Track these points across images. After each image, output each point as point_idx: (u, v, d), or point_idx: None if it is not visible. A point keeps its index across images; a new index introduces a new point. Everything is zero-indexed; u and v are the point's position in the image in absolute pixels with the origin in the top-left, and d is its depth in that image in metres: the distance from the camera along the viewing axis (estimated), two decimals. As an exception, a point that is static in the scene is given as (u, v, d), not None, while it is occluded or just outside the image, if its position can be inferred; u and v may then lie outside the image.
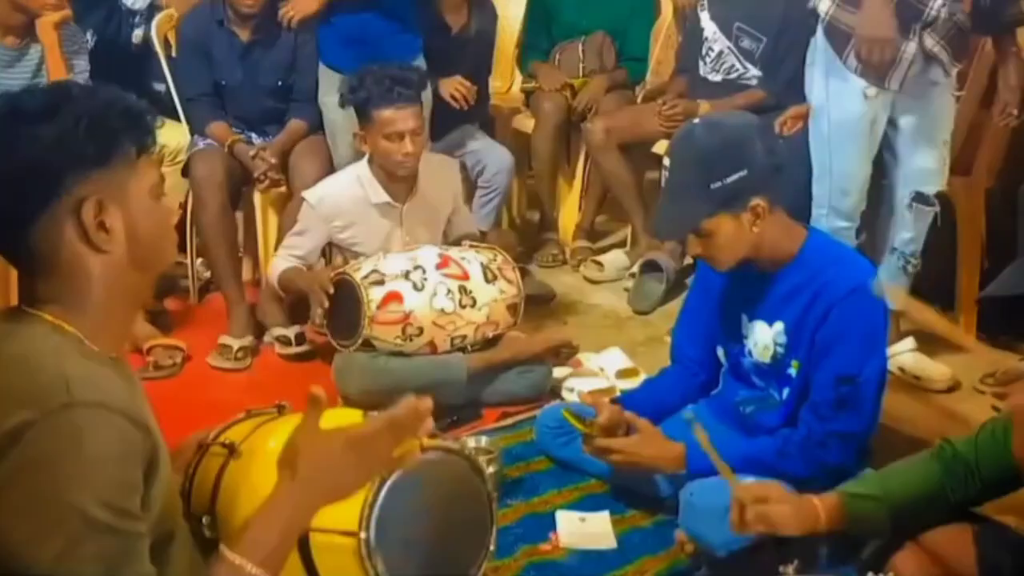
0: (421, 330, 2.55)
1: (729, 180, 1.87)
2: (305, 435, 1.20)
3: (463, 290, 2.59)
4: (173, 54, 3.41)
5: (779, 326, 2.00)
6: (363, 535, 1.41)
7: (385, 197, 2.71)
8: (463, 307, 2.58)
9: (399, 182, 2.71)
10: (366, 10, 3.21)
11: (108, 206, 1.17)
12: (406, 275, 2.54)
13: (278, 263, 2.77)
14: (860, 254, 2.06)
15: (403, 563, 1.41)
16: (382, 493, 1.41)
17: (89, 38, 3.19)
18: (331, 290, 2.53)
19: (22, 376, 1.11)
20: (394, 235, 2.76)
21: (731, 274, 2.06)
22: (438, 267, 2.60)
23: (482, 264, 2.66)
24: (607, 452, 2.09)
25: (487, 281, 2.63)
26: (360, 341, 2.52)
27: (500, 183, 3.46)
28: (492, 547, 1.49)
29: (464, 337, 2.61)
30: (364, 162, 2.75)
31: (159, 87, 3.45)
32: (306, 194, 2.78)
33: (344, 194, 2.73)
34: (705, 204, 1.88)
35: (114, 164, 1.17)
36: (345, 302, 2.53)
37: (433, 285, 2.55)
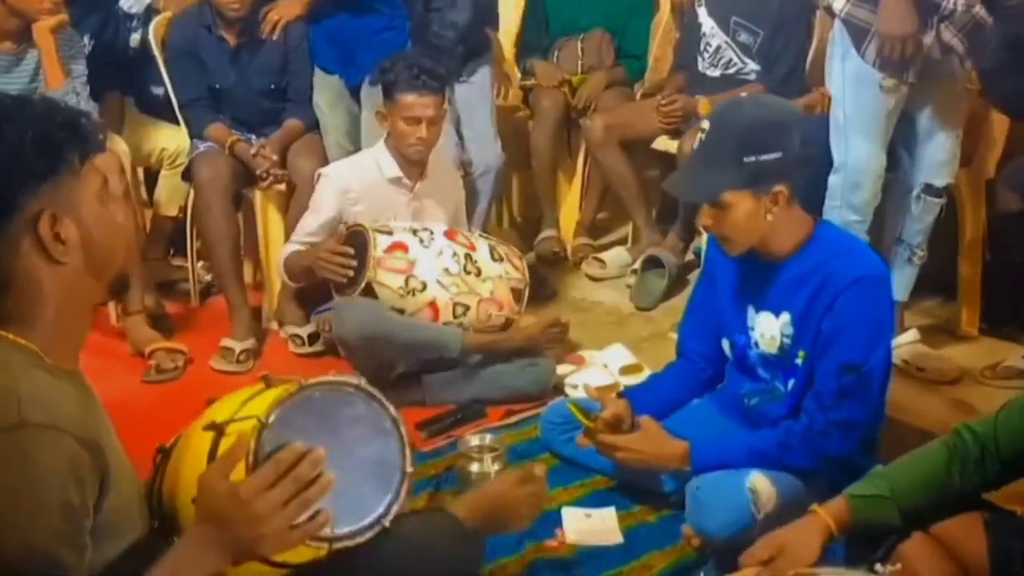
0: (424, 285, 2.60)
1: (763, 158, 1.86)
2: (209, 479, 1.15)
3: (469, 258, 2.68)
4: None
5: (786, 316, 1.99)
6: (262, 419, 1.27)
7: (398, 172, 2.81)
8: (468, 273, 2.65)
9: (411, 164, 2.82)
10: (346, 10, 3.26)
11: (61, 217, 1.17)
12: (414, 232, 2.66)
13: (286, 249, 2.83)
14: (868, 246, 2.05)
15: None
16: (260, 440, 1.25)
17: (86, 42, 3.19)
18: (337, 249, 2.61)
19: None
20: (404, 213, 2.82)
21: (737, 265, 2.05)
22: (446, 234, 2.70)
23: (489, 246, 2.75)
24: (611, 448, 2.09)
25: (494, 259, 2.72)
26: (363, 283, 2.56)
27: (486, 185, 3.38)
28: (409, 469, 1.39)
29: (467, 308, 2.63)
30: (381, 143, 2.85)
31: (157, 91, 3.45)
32: (323, 170, 2.88)
33: (360, 168, 2.84)
34: (733, 175, 1.87)
35: (61, 175, 1.18)
36: (354, 253, 2.61)
37: (440, 246, 2.65)
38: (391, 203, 2.79)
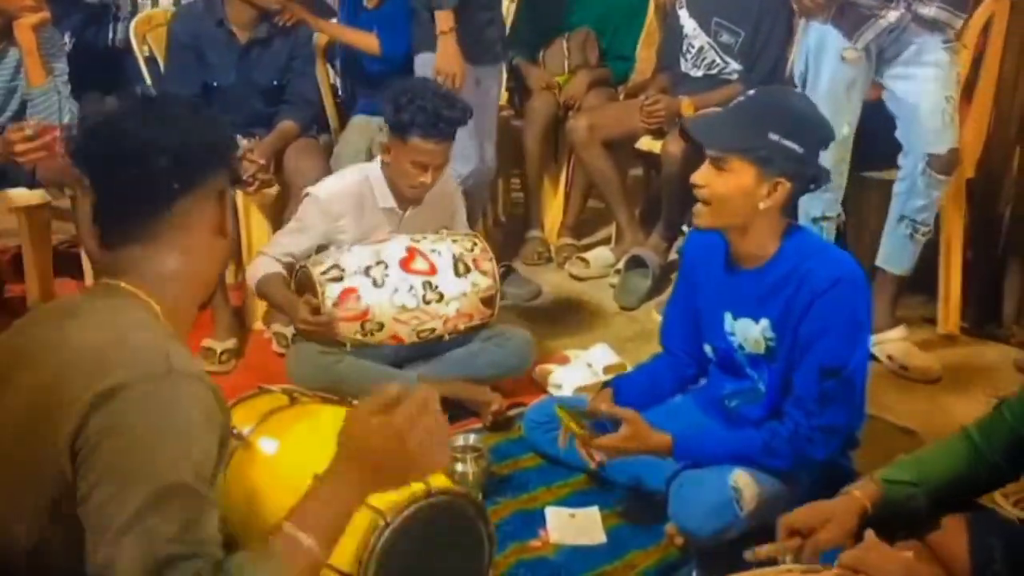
0: (381, 325, 2.53)
1: (786, 143, 1.87)
2: (359, 418, 1.21)
3: (428, 285, 2.55)
4: (150, 54, 3.39)
5: (765, 322, 1.99)
6: (389, 518, 1.44)
7: (392, 203, 2.68)
8: (427, 303, 2.55)
9: (401, 198, 2.69)
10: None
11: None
12: (366, 271, 2.52)
13: (263, 264, 2.66)
14: (841, 247, 2.06)
15: None
16: (382, 539, 1.44)
17: (67, 40, 3.17)
18: (309, 324, 2.48)
19: (116, 342, 1.18)
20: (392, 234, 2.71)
21: (713, 271, 2.05)
22: (402, 263, 2.56)
23: (455, 256, 2.62)
24: (601, 451, 2.07)
25: (457, 274, 2.59)
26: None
27: (479, 190, 3.36)
28: None
29: (432, 331, 2.60)
30: (377, 164, 2.70)
31: (138, 90, 3.43)
32: (312, 190, 2.69)
33: (351, 193, 2.67)
34: (751, 140, 1.87)
35: (234, 164, 1.39)
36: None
37: (394, 282, 2.52)
38: (379, 226, 2.69)
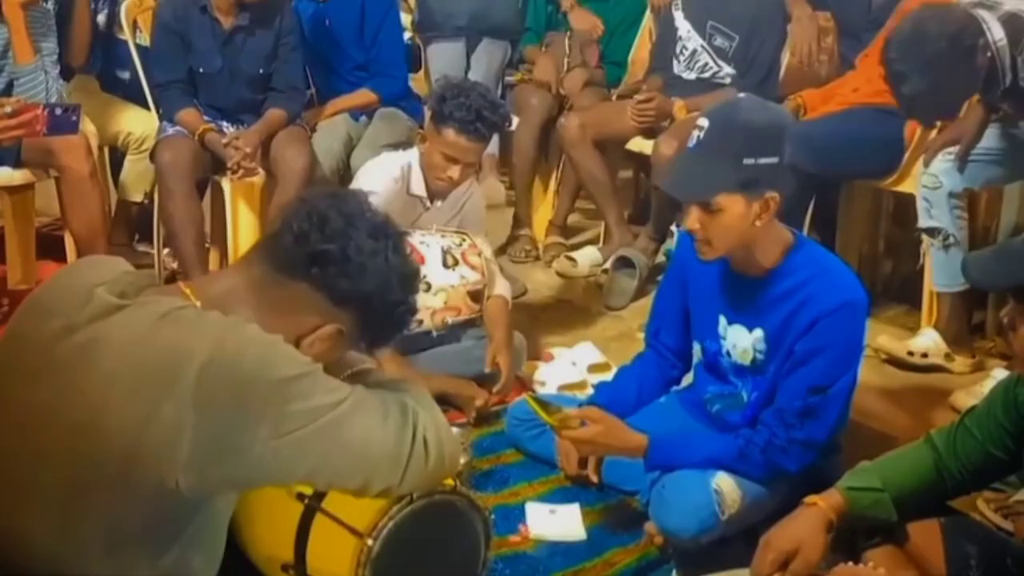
0: None
1: (762, 161, 1.81)
2: None
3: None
4: (139, 39, 3.36)
5: (759, 333, 1.98)
6: (369, 542, 1.47)
7: (423, 191, 2.71)
8: None
9: (432, 189, 2.70)
10: None
11: None
12: None
13: None
14: (847, 267, 2.01)
15: None
16: (402, 513, 1.48)
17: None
18: None
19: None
20: (415, 221, 2.72)
21: (712, 273, 2.03)
22: None
23: (443, 249, 2.63)
24: (573, 442, 2.06)
25: (446, 266, 2.61)
26: None
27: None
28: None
29: (420, 323, 2.60)
30: (416, 153, 2.71)
31: (123, 74, 3.40)
32: (362, 170, 2.70)
33: (389, 173, 2.67)
34: (730, 175, 1.82)
35: None
36: None
37: None
38: (405, 211, 2.68)
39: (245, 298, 1.30)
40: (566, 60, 3.80)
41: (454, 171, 2.60)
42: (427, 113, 2.72)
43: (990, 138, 2.75)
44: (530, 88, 3.75)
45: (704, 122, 1.87)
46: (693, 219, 1.88)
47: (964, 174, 2.76)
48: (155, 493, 1.20)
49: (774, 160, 1.83)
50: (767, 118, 1.87)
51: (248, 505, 1.51)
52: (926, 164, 2.82)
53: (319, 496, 1.56)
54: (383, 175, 2.66)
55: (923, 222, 2.84)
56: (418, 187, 2.70)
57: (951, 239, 2.79)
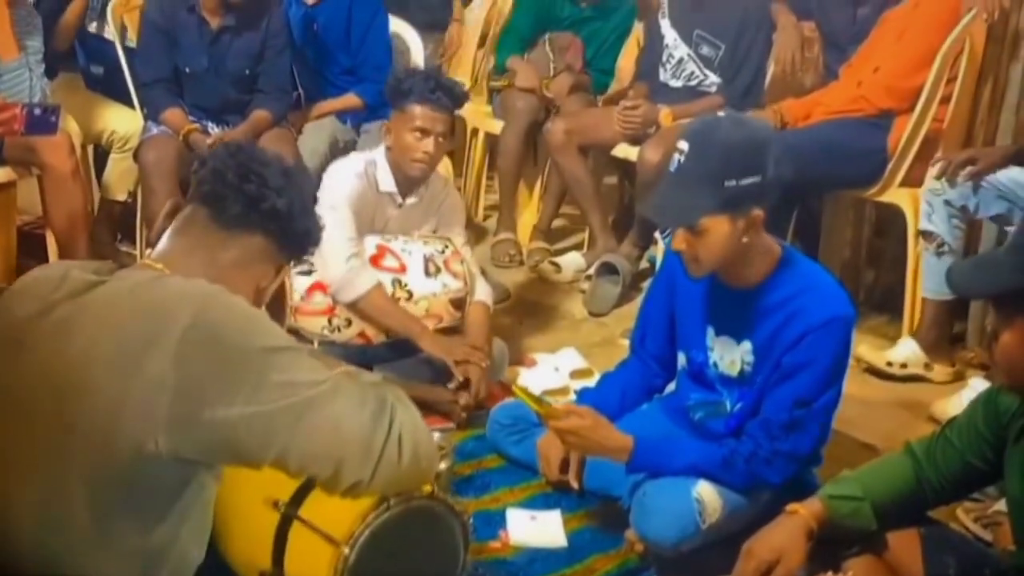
0: (349, 321, 2.53)
1: (744, 182, 1.81)
2: None
3: (397, 283, 2.56)
4: (128, 42, 3.35)
5: (747, 345, 1.98)
6: (345, 550, 1.47)
7: (392, 188, 2.68)
8: (396, 300, 2.55)
9: (409, 180, 2.67)
10: None
11: None
12: None
13: (352, 273, 2.52)
14: (835, 280, 2.01)
15: None
16: (379, 520, 1.48)
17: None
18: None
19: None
20: (391, 225, 2.71)
21: (696, 286, 2.03)
22: (372, 259, 2.57)
23: (425, 256, 2.62)
24: (560, 433, 2.03)
25: (427, 274, 2.60)
26: (285, 330, 2.47)
27: None
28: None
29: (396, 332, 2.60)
30: (382, 150, 2.70)
31: (97, 70, 3.38)
32: (327, 199, 2.49)
33: (355, 175, 2.65)
34: (713, 199, 1.82)
35: None
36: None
37: None
38: (378, 214, 2.68)
39: (208, 263, 1.37)
40: (551, 65, 3.81)
41: (427, 144, 2.58)
42: (391, 104, 2.70)
43: (1012, 175, 2.71)
44: (516, 92, 3.76)
45: (684, 145, 1.87)
46: (680, 240, 1.90)
47: (973, 195, 2.75)
48: (136, 456, 1.22)
49: (756, 179, 1.83)
50: (748, 137, 1.86)
51: (225, 512, 1.50)
52: (939, 174, 2.80)
53: (296, 503, 1.55)
54: (348, 173, 2.64)
55: (922, 224, 2.85)
56: (387, 183, 2.67)
57: (945, 247, 2.81)
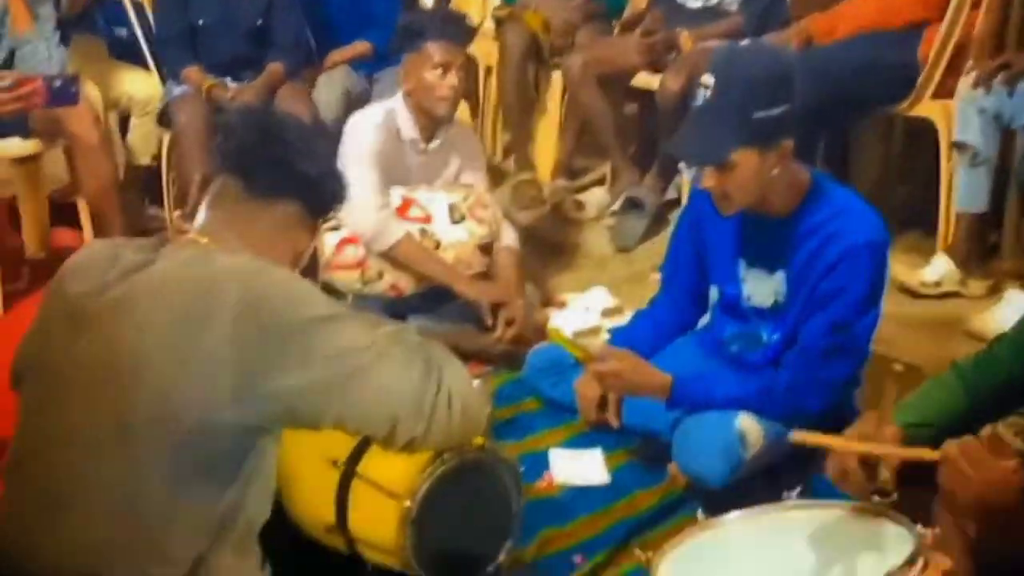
0: (380, 273, 2.56)
1: (772, 113, 1.79)
2: None
3: (424, 232, 2.59)
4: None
5: (780, 276, 1.97)
6: (407, 503, 1.51)
7: (415, 134, 2.68)
8: None
9: (431, 121, 2.67)
10: None
11: None
12: None
13: (379, 223, 2.54)
14: (867, 203, 1.98)
15: (433, 538, 1.54)
16: (436, 474, 1.52)
17: None
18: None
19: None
20: (415, 173, 2.71)
21: (726, 219, 2.00)
22: (397, 211, 2.59)
23: (449, 205, 2.64)
24: (599, 375, 2.06)
25: (453, 222, 2.62)
26: (319, 287, 2.50)
27: None
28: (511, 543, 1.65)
29: (431, 279, 2.62)
30: (399, 98, 2.70)
31: (120, 31, 3.37)
32: (350, 153, 2.57)
33: (379, 125, 2.65)
34: (741, 133, 1.79)
35: None
36: None
37: None
38: (403, 162, 2.68)
39: (246, 232, 1.40)
40: None
41: (451, 78, 2.59)
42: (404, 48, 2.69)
43: None
44: (508, 26, 3.69)
45: (709, 80, 1.84)
46: (709, 178, 1.88)
47: (1009, 101, 2.69)
48: (202, 429, 1.27)
49: (785, 108, 1.81)
50: (772, 66, 1.84)
51: (287, 471, 1.53)
52: (975, 83, 2.74)
53: (354, 461, 1.59)
54: (369, 125, 2.65)
55: (956, 136, 2.80)
56: (409, 130, 2.67)
57: (979, 157, 2.76)
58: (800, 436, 1.64)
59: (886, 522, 1.44)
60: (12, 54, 2.85)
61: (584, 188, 3.69)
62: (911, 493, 1.55)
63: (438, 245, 2.58)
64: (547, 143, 3.83)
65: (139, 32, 3.29)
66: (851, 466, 1.55)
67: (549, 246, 3.36)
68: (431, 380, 1.33)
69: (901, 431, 1.60)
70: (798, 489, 1.88)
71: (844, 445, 1.58)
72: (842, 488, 1.58)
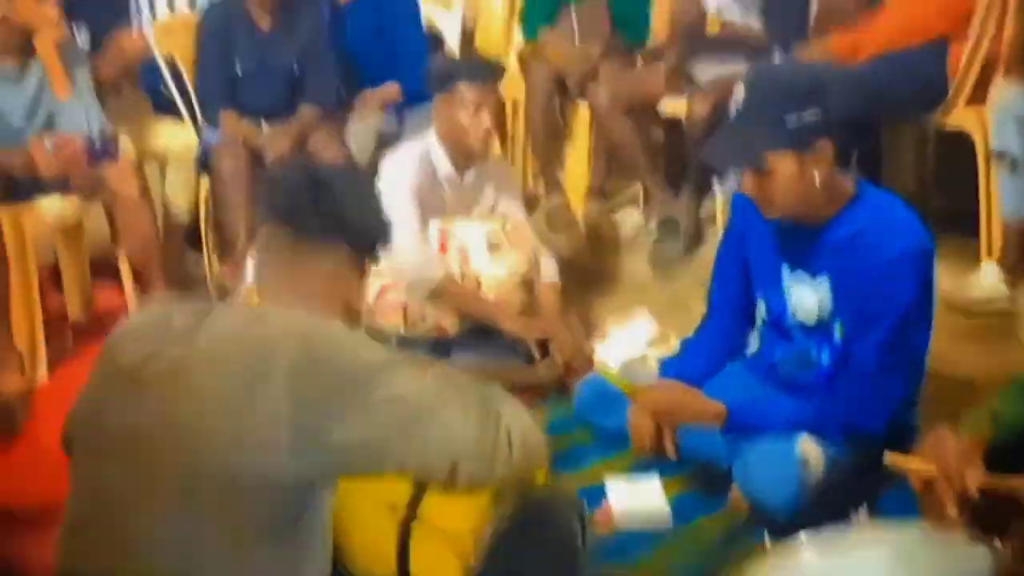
0: (424, 317, 2.58)
1: (805, 115, 1.81)
2: None
3: (463, 273, 2.63)
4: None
5: (823, 280, 1.96)
6: (470, 546, 1.52)
7: (451, 170, 2.73)
8: None
9: (465, 158, 2.72)
10: None
11: None
12: None
13: (435, 266, 2.61)
14: (913, 213, 1.96)
15: None
16: (499, 527, 1.52)
17: (84, 38, 3.18)
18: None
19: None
20: (452, 207, 2.75)
21: (768, 224, 2.00)
22: (439, 248, 2.63)
23: (486, 233, 2.66)
24: (652, 406, 2.06)
25: (490, 253, 2.65)
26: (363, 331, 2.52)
27: None
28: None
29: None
30: (432, 135, 2.75)
31: (160, 87, 3.44)
32: (384, 170, 2.67)
33: (417, 165, 2.70)
34: (776, 136, 1.82)
35: None
36: None
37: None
38: (439, 196, 2.73)
39: (297, 282, 1.43)
40: (575, 37, 3.71)
41: (484, 117, 2.64)
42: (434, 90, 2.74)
43: None
44: (532, 65, 3.71)
45: (742, 86, 1.88)
46: (748, 182, 1.89)
47: None
48: (263, 489, 1.27)
49: (816, 110, 1.82)
50: (803, 71, 1.90)
51: (343, 522, 1.52)
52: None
53: (414, 505, 1.58)
54: (406, 166, 2.68)
55: (993, 144, 2.78)
56: (444, 166, 2.72)
57: (1018, 164, 2.72)
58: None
59: (962, 541, 1.41)
60: (50, 117, 2.90)
61: (617, 208, 3.70)
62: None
63: (479, 284, 2.60)
64: (577, 169, 3.85)
65: (172, 85, 3.34)
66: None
67: (588, 273, 3.36)
68: (490, 419, 1.33)
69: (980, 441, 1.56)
70: (864, 507, 1.86)
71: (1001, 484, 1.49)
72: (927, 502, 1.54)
